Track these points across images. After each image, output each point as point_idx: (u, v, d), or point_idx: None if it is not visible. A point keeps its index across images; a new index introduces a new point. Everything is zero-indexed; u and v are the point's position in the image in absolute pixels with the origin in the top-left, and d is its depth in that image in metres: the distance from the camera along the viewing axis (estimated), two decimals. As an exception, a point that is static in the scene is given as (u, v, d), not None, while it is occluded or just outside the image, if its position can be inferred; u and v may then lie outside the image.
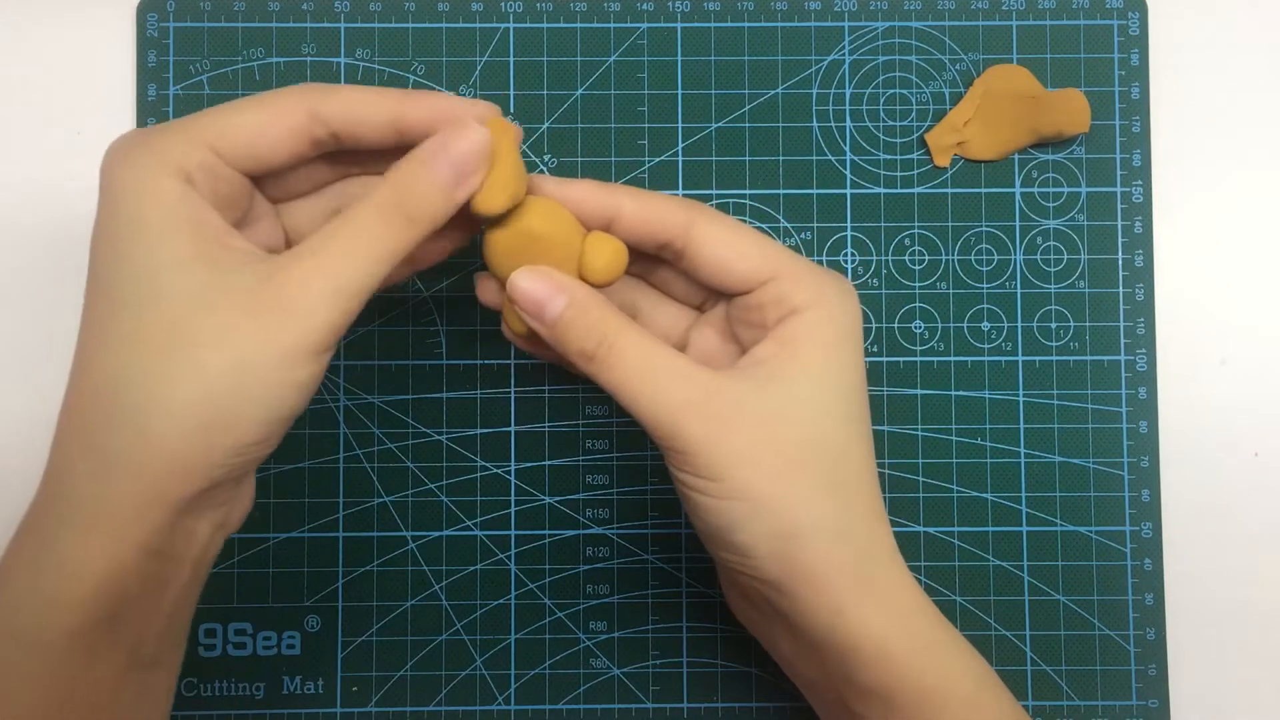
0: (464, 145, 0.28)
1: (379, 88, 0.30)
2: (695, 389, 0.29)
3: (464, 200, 0.29)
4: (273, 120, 0.28)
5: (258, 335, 0.26)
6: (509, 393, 0.40)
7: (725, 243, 0.31)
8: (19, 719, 0.26)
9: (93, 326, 0.27)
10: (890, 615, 0.30)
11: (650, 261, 0.34)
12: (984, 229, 0.41)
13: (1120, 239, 0.41)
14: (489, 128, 0.29)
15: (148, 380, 0.26)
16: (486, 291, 0.33)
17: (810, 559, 0.29)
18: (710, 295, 0.34)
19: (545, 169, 0.40)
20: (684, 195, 0.40)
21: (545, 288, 0.30)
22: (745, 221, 0.40)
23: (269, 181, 0.31)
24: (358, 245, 0.27)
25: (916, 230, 0.41)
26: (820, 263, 0.40)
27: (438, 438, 0.40)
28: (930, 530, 0.40)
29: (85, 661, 0.27)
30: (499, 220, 0.30)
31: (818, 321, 0.30)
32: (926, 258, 0.41)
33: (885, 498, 0.40)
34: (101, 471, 0.26)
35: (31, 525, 0.28)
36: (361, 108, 0.29)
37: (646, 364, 0.29)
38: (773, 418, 0.29)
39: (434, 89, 0.40)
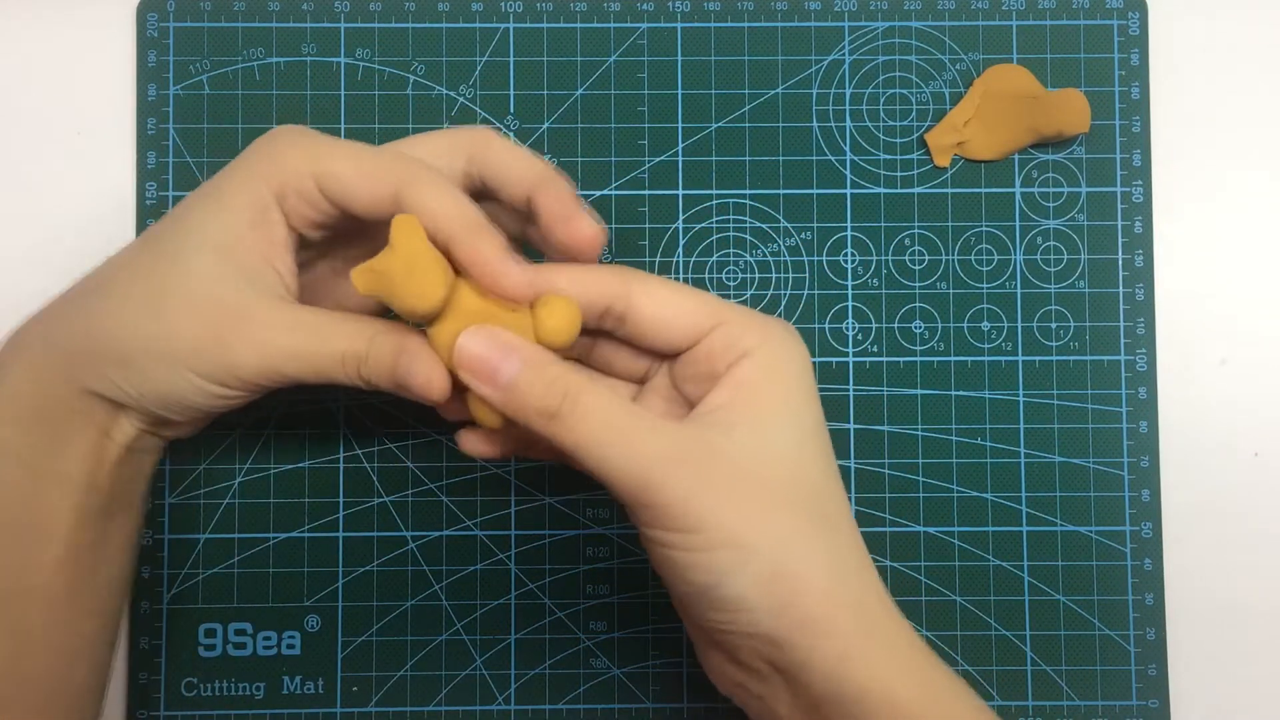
0: (403, 378, 0.29)
1: (390, 161, 0.31)
2: (663, 441, 0.28)
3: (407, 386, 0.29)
4: (367, 193, 0.30)
5: (193, 342, 0.29)
6: (509, 393, 0.40)
7: (665, 300, 0.31)
8: None
9: (148, 240, 0.31)
10: (893, 658, 0.29)
11: (587, 339, 0.33)
12: (984, 229, 0.41)
13: (1120, 239, 0.41)
14: (395, 228, 0.28)
15: (126, 305, 0.30)
16: (470, 442, 0.33)
17: (808, 602, 0.28)
18: (653, 361, 0.33)
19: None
20: (683, 196, 0.41)
21: (496, 349, 0.28)
22: (746, 221, 0.40)
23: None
24: (309, 350, 0.30)
25: (916, 230, 0.41)
26: (821, 264, 0.40)
27: (438, 438, 0.40)
28: (930, 530, 0.40)
29: (27, 473, 0.30)
30: (437, 316, 0.29)
31: (770, 362, 0.30)
32: (926, 258, 0.41)
33: (885, 498, 0.40)
34: (64, 326, 0.31)
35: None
36: (365, 180, 0.30)
37: (611, 419, 0.28)
38: (747, 459, 0.28)
39: (434, 89, 0.40)
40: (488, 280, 0.29)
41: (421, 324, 0.29)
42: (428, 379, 0.29)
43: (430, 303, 0.28)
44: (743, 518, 0.28)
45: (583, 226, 0.30)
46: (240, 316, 0.29)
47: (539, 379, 0.28)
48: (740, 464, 0.28)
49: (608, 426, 0.28)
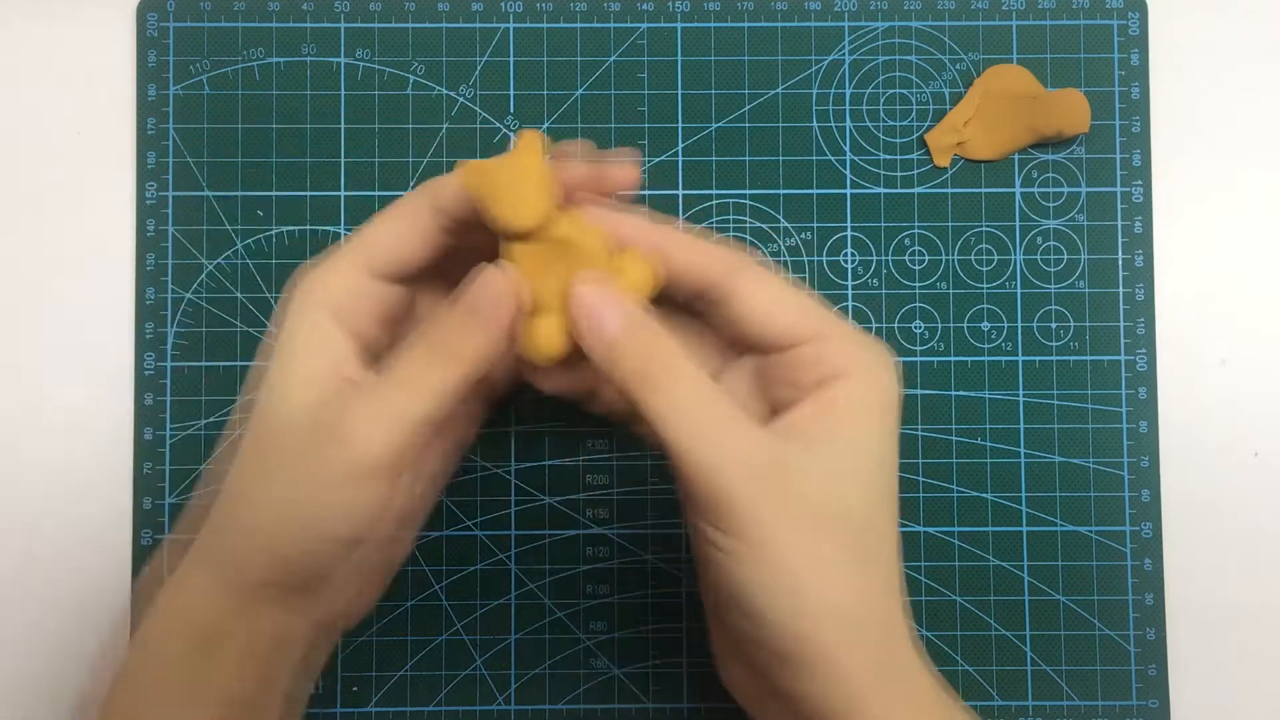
0: (485, 294, 0.29)
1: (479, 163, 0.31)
2: (742, 443, 0.28)
3: (500, 337, 0.29)
4: (407, 227, 0.31)
5: (309, 463, 0.28)
6: (509, 393, 0.40)
7: (768, 296, 0.30)
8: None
9: (244, 435, 0.31)
10: (909, 712, 0.28)
11: (679, 315, 0.33)
12: (984, 229, 0.41)
13: (1120, 239, 0.41)
14: (519, 142, 0.29)
15: (243, 490, 0.30)
16: (548, 379, 0.32)
17: (827, 640, 0.27)
18: (742, 351, 0.32)
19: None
20: (683, 196, 0.40)
21: (607, 300, 0.28)
22: (746, 221, 0.40)
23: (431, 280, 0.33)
24: (404, 383, 0.29)
25: (916, 230, 0.41)
26: (821, 264, 0.40)
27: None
28: (930, 530, 0.40)
29: (182, 696, 0.30)
30: (527, 236, 0.29)
31: (859, 390, 0.29)
32: (926, 258, 0.41)
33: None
34: (200, 548, 0.31)
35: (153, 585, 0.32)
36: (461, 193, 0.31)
37: (697, 401, 0.28)
38: (808, 485, 0.28)
39: (434, 89, 0.40)
40: (606, 219, 0.30)
41: (507, 238, 0.29)
42: (509, 283, 0.29)
43: (531, 217, 0.28)
44: (793, 542, 0.27)
45: (614, 175, 0.31)
46: (330, 414, 0.29)
47: (635, 344, 0.28)
48: (808, 488, 0.28)
49: (696, 410, 0.28)
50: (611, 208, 0.31)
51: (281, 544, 0.29)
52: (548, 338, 0.29)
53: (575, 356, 0.29)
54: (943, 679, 0.29)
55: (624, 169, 0.31)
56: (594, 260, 0.29)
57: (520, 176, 0.28)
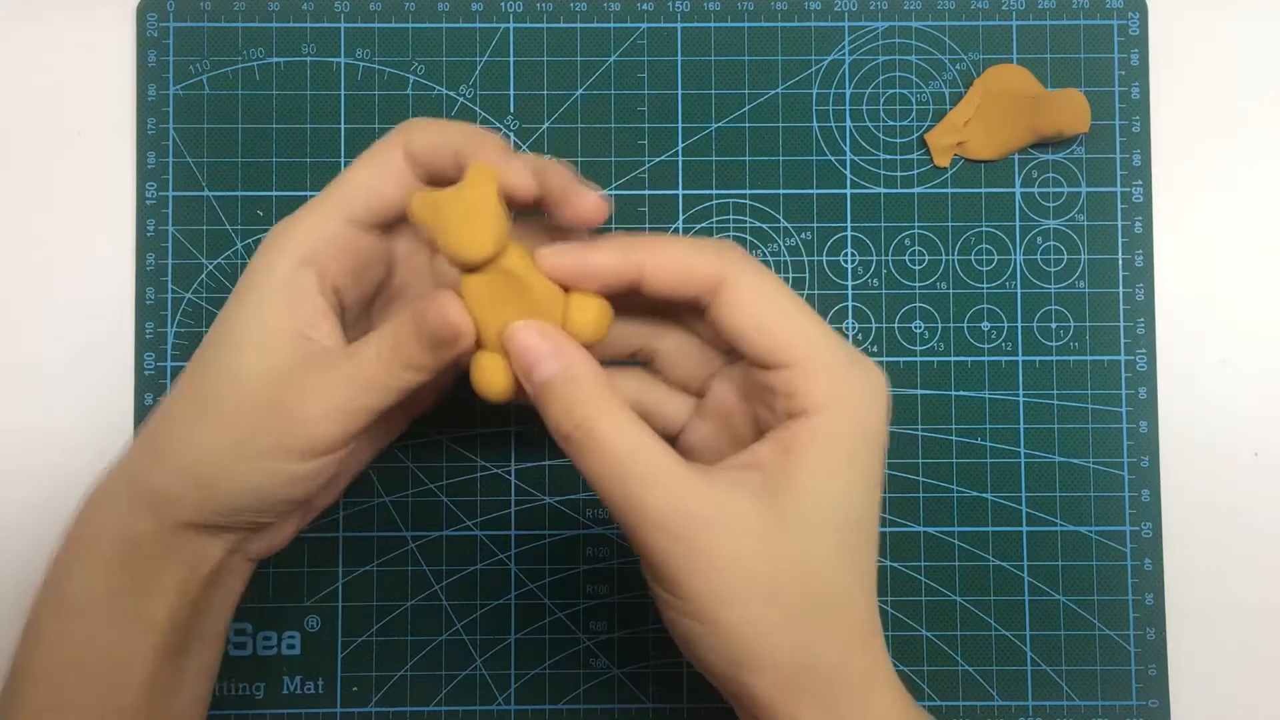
0: (432, 321, 0.28)
1: (453, 125, 0.31)
2: (669, 500, 0.27)
3: (451, 357, 0.29)
4: (382, 174, 0.31)
5: (255, 433, 0.29)
6: (509, 393, 0.40)
7: (749, 314, 0.29)
8: (47, 665, 0.30)
9: (185, 370, 0.31)
10: None
11: (654, 326, 0.33)
12: (984, 229, 0.41)
13: (1120, 239, 0.41)
14: (470, 174, 0.28)
15: (177, 431, 0.30)
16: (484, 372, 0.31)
17: (765, 693, 0.27)
18: (736, 357, 0.31)
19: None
20: (683, 196, 0.40)
21: (544, 346, 0.28)
22: (746, 221, 0.40)
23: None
24: (360, 375, 0.29)
25: (916, 230, 0.41)
26: (821, 264, 0.40)
27: (438, 438, 0.40)
28: (930, 530, 0.40)
29: (110, 620, 0.30)
30: (477, 269, 0.29)
31: (828, 431, 0.28)
32: (926, 258, 0.41)
33: (885, 498, 0.40)
34: (121, 479, 0.31)
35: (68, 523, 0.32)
36: (439, 146, 0.31)
37: (626, 452, 0.27)
38: (749, 540, 0.27)
39: (434, 89, 0.40)
40: (571, 256, 0.29)
41: (460, 268, 0.29)
42: (458, 319, 0.28)
43: (480, 250, 0.28)
44: (721, 601, 0.27)
45: (584, 202, 0.30)
46: (287, 389, 0.29)
47: (568, 394, 0.28)
48: (740, 543, 0.27)
49: (624, 462, 0.27)
50: (575, 241, 0.30)
51: (217, 496, 0.29)
52: (494, 377, 0.29)
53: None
54: (918, 712, 0.29)
55: (591, 199, 0.30)
56: (545, 297, 0.29)
57: (471, 209, 0.28)
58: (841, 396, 0.28)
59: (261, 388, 0.29)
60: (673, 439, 0.33)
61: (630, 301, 0.30)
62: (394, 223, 0.32)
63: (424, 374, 0.29)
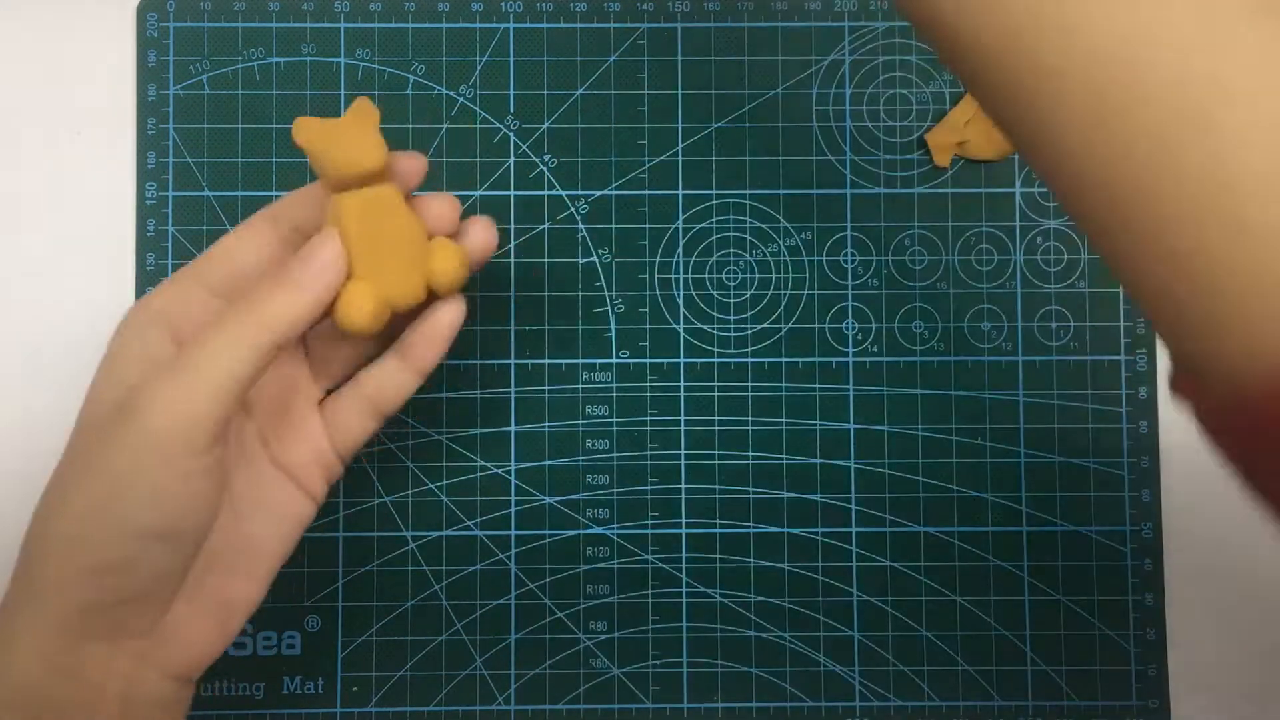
0: (309, 261, 0.29)
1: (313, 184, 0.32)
2: None
3: (311, 301, 0.29)
4: (241, 240, 0.31)
5: (108, 446, 0.27)
6: (509, 393, 0.40)
7: None
8: None
9: (68, 446, 0.30)
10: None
11: None
12: (984, 229, 0.41)
13: (1120, 239, 0.41)
14: (355, 105, 0.30)
15: (49, 505, 0.28)
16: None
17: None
18: None
19: (546, 169, 0.40)
20: (683, 196, 0.40)
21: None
22: (746, 221, 0.40)
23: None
24: (211, 345, 0.27)
25: (916, 230, 0.41)
26: (821, 264, 0.40)
27: (438, 438, 0.40)
28: (930, 530, 0.40)
29: None
30: (356, 189, 0.30)
31: None
32: (926, 258, 0.41)
33: (885, 498, 0.40)
34: (16, 586, 0.28)
35: None
36: (305, 197, 0.31)
37: None
38: None
39: (434, 89, 0.40)
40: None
41: (336, 187, 0.30)
42: (336, 247, 0.29)
43: (369, 159, 0.29)
44: None
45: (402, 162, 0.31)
46: (138, 388, 0.27)
47: None
48: None
49: None
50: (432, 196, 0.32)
51: (94, 547, 0.27)
52: (360, 307, 0.30)
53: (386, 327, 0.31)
54: None
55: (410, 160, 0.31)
56: (413, 234, 0.31)
57: (356, 130, 0.29)
58: None
59: (108, 413, 0.27)
60: None
61: None
62: None
63: (276, 328, 0.28)
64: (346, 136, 0.29)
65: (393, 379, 0.33)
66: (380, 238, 0.30)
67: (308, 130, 0.29)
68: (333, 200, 0.30)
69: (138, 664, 0.28)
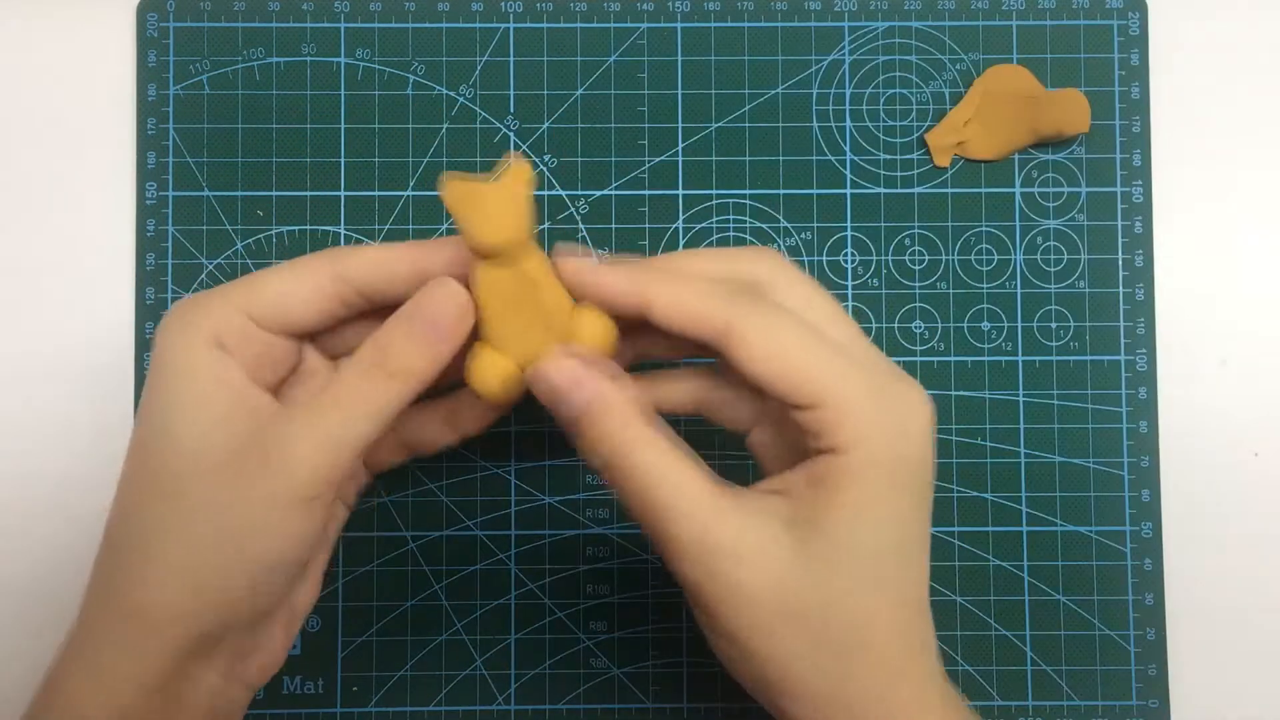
0: (437, 303, 0.28)
1: (400, 243, 0.30)
2: (696, 532, 0.27)
3: (447, 355, 0.28)
4: (299, 285, 0.29)
5: (243, 490, 0.27)
6: (509, 393, 0.40)
7: (764, 357, 0.27)
8: None
9: (124, 476, 0.29)
10: None
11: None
12: (984, 229, 0.41)
13: (1120, 239, 0.41)
14: (510, 169, 0.28)
15: (149, 533, 0.28)
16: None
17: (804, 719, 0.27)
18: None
19: (545, 168, 0.40)
20: (683, 196, 0.40)
21: (578, 373, 0.28)
22: (746, 221, 0.40)
23: (326, 339, 0.32)
24: (342, 401, 0.28)
25: (916, 230, 0.41)
26: (821, 264, 0.40)
27: (438, 438, 0.40)
28: (930, 530, 0.40)
29: None
30: (497, 259, 0.28)
31: (856, 470, 0.27)
32: (926, 258, 0.41)
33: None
34: (109, 614, 0.28)
35: (52, 669, 0.29)
36: (383, 265, 0.29)
37: (651, 492, 0.27)
38: (774, 572, 0.27)
39: (434, 89, 0.40)
40: (583, 274, 0.29)
41: (483, 253, 0.28)
42: (463, 300, 0.28)
43: (514, 234, 0.27)
44: (747, 626, 0.27)
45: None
46: (264, 440, 0.27)
47: (598, 427, 0.28)
48: (767, 573, 0.27)
49: (646, 493, 0.27)
50: (588, 265, 0.29)
51: (221, 584, 0.27)
52: (501, 379, 0.29)
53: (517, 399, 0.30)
54: None
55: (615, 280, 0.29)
56: (556, 308, 0.29)
57: (505, 198, 0.28)
58: (870, 434, 0.27)
59: (229, 458, 0.27)
60: (742, 436, 0.32)
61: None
62: (304, 336, 0.31)
63: (412, 383, 0.28)
64: (493, 205, 0.27)
65: (431, 433, 0.33)
66: (521, 308, 0.29)
67: (453, 192, 0.27)
68: (474, 265, 0.28)
69: (226, 679, 0.29)
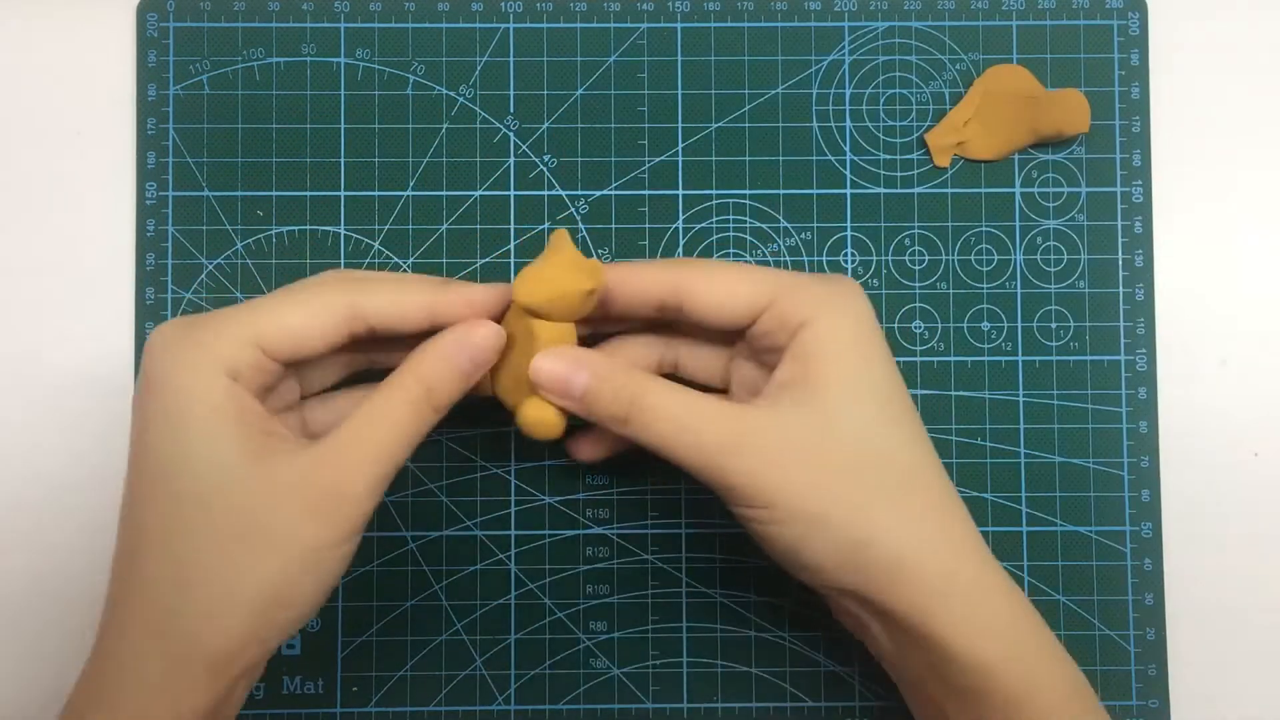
0: (479, 339, 0.31)
1: (413, 279, 0.32)
2: (727, 428, 0.30)
3: (473, 384, 0.31)
4: (314, 320, 0.30)
5: (321, 527, 0.28)
6: (509, 393, 0.40)
7: (713, 288, 0.32)
8: None
9: (152, 518, 0.29)
10: (979, 620, 0.30)
11: (665, 344, 0.36)
12: (984, 229, 0.41)
13: (1120, 239, 0.41)
14: (556, 237, 0.32)
15: (222, 571, 0.28)
16: (580, 449, 0.37)
17: (884, 566, 0.29)
18: (733, 342, 0.34)
19: (546, 169, 0.40)
20: (683, 196, 0.40)
21: (567, 364, 0.31)
22: (746, 221, 0.40)
23: (302, 370, 0.33)
24: (392, 434, 0.29)
25: (916, 230, 0.41)
26: (821, 265, 0.40)
27: (438, 438, 0.40)
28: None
29: None
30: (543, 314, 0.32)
31: (828, 330, 0.31)
32: (926, 258, 0.41)
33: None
34: (167, 651, 0.28)
35: (77, 706, 0.29)
36: (399, 306, 0.31)
37: (677, 415, 0.30)
38: (810, 437, 0.30)
39: (434, 89, 0.40)
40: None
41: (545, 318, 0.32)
42: (498, 335, 0.31)
43: (599, 280, 0.32)
44: (808, 494, 0.29)
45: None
46: (316, 474, 0.29)
47: (607, 388, 0.31)
48: (803, 442, 0.30)
49: (674, 423, 0.30)
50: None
51: (281, 614, 0.29)
52: (544, 415, 0.32)
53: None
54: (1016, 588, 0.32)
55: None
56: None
57: (571, 263, 0.32)
58: (825, 300, 0.31)
59: (289, 494, 0.28)
60: (720, 391, 0.35)
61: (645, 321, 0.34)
62: (303, 364, 0.32)
63: (444, 413, 0.31)
64: (569, 274, 0.31)
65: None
66: (526, 355, 0.32)
67: (532, 290, 0.32)
68: (524, 318, 0.32)
69: (245, 686, 0.30)
